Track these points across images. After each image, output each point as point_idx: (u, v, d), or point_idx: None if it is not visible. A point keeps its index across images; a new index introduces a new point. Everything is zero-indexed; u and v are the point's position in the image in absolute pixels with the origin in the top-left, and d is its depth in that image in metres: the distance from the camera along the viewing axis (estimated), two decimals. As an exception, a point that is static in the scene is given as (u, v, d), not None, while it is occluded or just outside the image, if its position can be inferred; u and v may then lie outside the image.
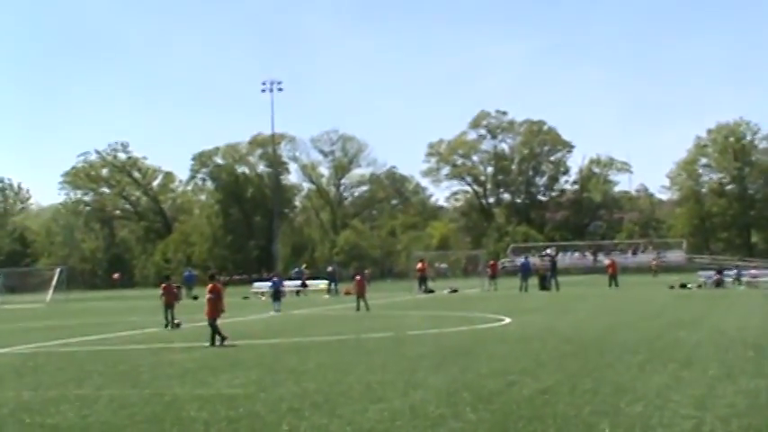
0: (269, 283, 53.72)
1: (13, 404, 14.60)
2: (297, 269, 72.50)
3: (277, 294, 42.40)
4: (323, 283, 64.57)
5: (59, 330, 33.33)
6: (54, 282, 68.69)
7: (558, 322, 29.02)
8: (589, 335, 23.80)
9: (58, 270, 71.57)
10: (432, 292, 58.31)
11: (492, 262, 67.99)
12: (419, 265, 62.13)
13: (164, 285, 34.43)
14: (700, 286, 54.96)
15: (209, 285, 26.35)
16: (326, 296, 58.53)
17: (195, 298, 62.71)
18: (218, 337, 24.38)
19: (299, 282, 64.96)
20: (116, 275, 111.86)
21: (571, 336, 23.52)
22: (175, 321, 32.24)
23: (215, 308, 25.15)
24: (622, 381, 14.89)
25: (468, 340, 23.60)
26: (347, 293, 59.93)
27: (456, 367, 17.41)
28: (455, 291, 58.95)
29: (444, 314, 35.96)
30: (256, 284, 66.30)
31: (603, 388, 14.15)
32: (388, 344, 23.25)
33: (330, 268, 67.60)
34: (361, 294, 40.38)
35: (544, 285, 57.44)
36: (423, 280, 60.29)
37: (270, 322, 34.78)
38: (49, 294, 66.79)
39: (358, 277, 42.20)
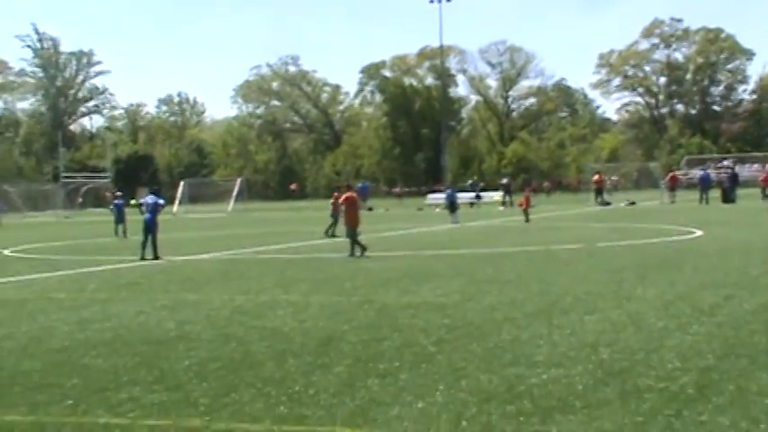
0: (443, 195, 53.89)
1: (230, 307, 15.06)
2: (471, 181, 72.33)
3: (453, 206, 42.40)
4: (497, 195, 64.27)
5: (248, 238, 34.31)
6: (235, 192, 70.75)
7: (754, 236, 27.92)
8: (794, 249, 22.82)
9: (239, 181, 73.64)
10: (608, 204, 57.27)
11: (672, 174, 66.01)
12: (595, 177, 61.06)
13: (335, 195, 35.00)
14: None
15: (343, 196, 26.10)
16: (501, 208, 58.21)
17: (370, 209, 63.58)
18: (357, 248, 24.23)
19: (473, 194, 64.82)
20: (293, 186, 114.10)
21: (774, 249, 22.58)
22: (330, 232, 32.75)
23: (350, 217, 25.00)
24: None
25: (664, 252, 23.00)
26: (521, 205, 59.50)
27: (663, 279, 16.96)
28: (633, 203, 57.68)
29: (628, 226, 35.22)
30: (430, 196, 66.56)
31: (832, 303, 13.50)
32: (581, 255, 22.90)
33: (505, 180, 67.20)
34: (526, 206, 40.79)
35: (727, 198, 55.49)
36: (599, 192, 59.28)
37: (451, 234, 34.83)
38: (231, 204, 68.87)
39: (525, 190, 42.86)
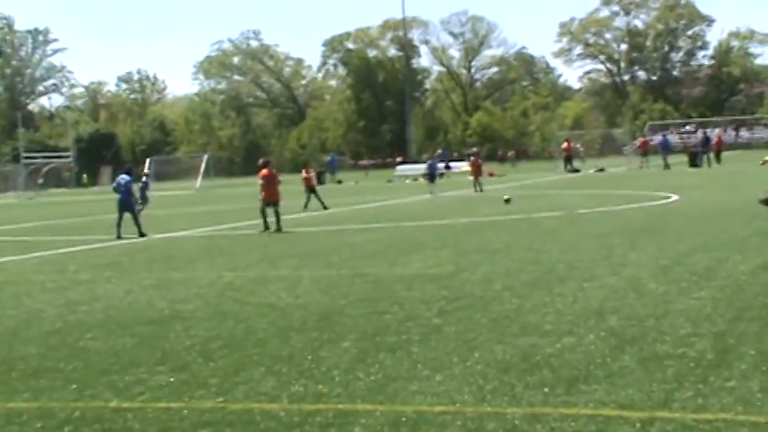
0: (411, 166, 53.86)
1: (220, 285, 14.78)
2: (440, 151, 72.09)
3: (432, 177, 41.91)
4: (466, 165, 64.02)
5: (222, 215, 33.95)
6: (202, 168, 70.06)
7: (729, 199, 27.95)
8: (774, 211, 22.83)
9: (205, 157, 72.99)
10: (577, 171, 57.35)
11: (643, 139, 66.06)
12: (564, 145, 61.10)
13: (305, 171, 35.04)
14: None
15: (262, 171, 26.13)
16: (471, 177, 57.96)
17: (339, 182, 63.35)
18: (268, 222, 24.62)
19: (442, 164, 64.58)
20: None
21: (754, 212, 22.53)
22: (324, 204, 32.91)
23: (268, 192, 25.20)
24: (844, 256, 14.17)
25: (646, 218, 22.97)
26: (491, 175, 59.56)
27: (651, 244, 16.89)
28: (601, 170, 57.79)
29: (603, 193, 35.24)
30: (399, 168, 66.32)
31: (828, 263, 13.47)
32: (563, 223, 22.82)
33: (474, 149, 67.03)
34: (475, 175, 41.56)
35: (694, 162, 55.71)
36: (568, 159, 59.33)
37: (428, 204, 34.66)
38: (198, 181, 68.22)
39: (472, 158, 43.33)
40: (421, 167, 65.52)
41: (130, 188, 26.34)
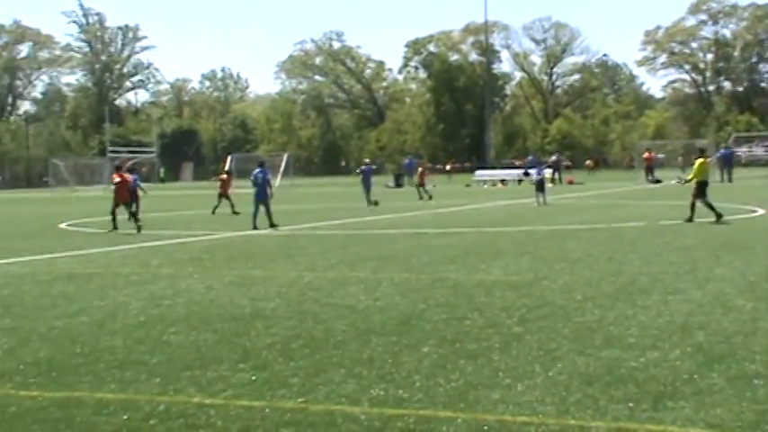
0: (489, 172, 53.70)
1: (300, 284, 14.84)
2: (531, 157, 71.28)
3: (541, 184, 37.46)
4: (547, 172, 63.51)
5: (302, 214, 34.13)
6: (282, 168, 70.57)
7: (819, 215, 27.27)
8: None
9: (286, 156, 73.52)
10: (659, 182, 56.48)
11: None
12: (646, 155, 60.26)
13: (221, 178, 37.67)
14: None
15: (114, 175, 28.64)
16: (551, 185, 57.47)
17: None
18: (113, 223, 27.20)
19: (521, 170, 64.25)
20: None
21: None
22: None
23: (118, 195, 27.71)
24: None
25: (730, 231, 22.51)
26: (570, 183, 59.04)
27: (737, 259, 16.53)
28: (687, 181, 56.64)
29: (684, 204, 34.50)
30: (478, 173, 66.07)
31: None
32: (645, 234, 22.47)
33: (554, 157, 66.53)
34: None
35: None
36: (649, 170, 58.47)
37: (507, 210, 34.44)
38: (278, 179, 68.70)
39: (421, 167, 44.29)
40: (499, 173, 65.46)
41: (269, 181, 28.21)
